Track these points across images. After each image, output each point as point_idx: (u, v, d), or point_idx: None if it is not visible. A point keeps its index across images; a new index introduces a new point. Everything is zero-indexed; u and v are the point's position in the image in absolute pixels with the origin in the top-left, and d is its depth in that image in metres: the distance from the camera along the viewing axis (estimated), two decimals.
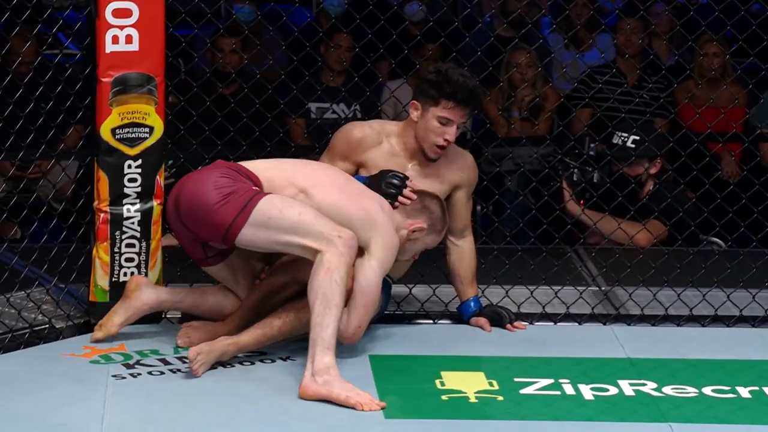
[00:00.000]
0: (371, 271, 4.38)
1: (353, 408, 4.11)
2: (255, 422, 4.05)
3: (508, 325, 4.90)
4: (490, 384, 4.38)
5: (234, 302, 4.62)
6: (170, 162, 4.85)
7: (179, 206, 4.44)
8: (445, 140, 4.64)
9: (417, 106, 4.68)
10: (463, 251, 4.87)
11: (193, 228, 4.43)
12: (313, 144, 5.50)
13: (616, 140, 5.87)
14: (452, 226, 4.84)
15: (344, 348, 4.48)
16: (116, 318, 4.56)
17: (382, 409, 4.12)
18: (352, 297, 4.37)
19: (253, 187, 4.38)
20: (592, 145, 6.01)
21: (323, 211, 4.38)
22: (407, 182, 4.62)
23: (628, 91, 6.84)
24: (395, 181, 4.60)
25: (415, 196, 4.60)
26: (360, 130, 4.73)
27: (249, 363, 4.46)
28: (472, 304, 4.90)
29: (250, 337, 4.41)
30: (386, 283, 4.67)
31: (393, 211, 4.55)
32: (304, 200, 4.40)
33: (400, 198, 4.58)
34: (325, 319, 4.20)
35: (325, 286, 4.21)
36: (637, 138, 5.82)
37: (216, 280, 4.67)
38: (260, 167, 4.50)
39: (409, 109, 4.70)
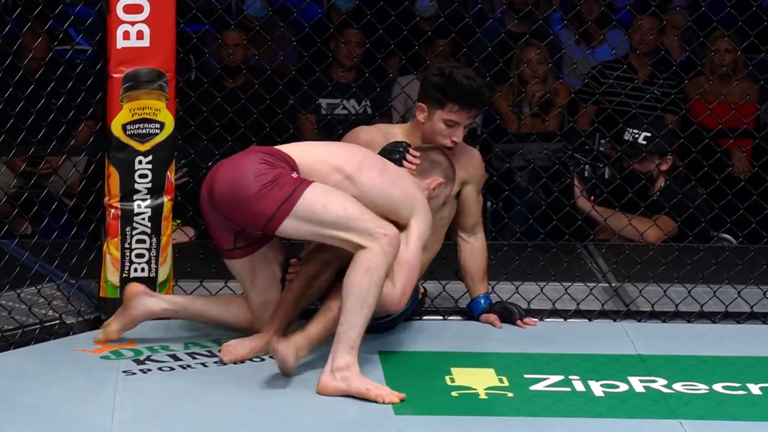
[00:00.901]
0: (414, 242, 4.36)
1: (374, 401, 4.11)
2: (266, 417, 4.05)
3: (519, 321, 4.90)
4: (500, 380, 4.38)
5: (235, 313, 4.54)
6: (183, 162, 4.85)
7: (214, 194, 4.33)
8: (453, 142, 4.65)
9: (423, 108, 4.68)
10: (474, 248, 4.87)
11: (231, 216, 4.32)
12: (323, 140, 5.50)
13: (627, 136, 5.86)
14: (463, 222, 4.84)
15: None
16: (115, 325, 4.54)
17: (402, 401, 4.12)
18: (396, 265, 4.32)
19: (293, 174, 4.28)
20: (602, 141, 6.00)
21: (368, 195, 4.34)
22: (407, 146, 4.62)
23: (639, 87, 6.83)
24: (399, 149, 4.59)
25: (418, 155, 4.60)
26: (367, 133, 4.74)
27: (258, 359, 4.46)
28: (482, 301, 4.90)
29: (316, 327, 4.32)
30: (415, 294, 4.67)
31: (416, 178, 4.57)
32: (349, 187, 4.34)
33: (405, 163, 4.57)
34: (356, 318, 4.18)
35: (363, 286, 4.19)
36: (648, 134, 5.82)
37: (213, 290, 4.66)
38: (295, 151, 4.40)
39: (416, 111, 4.70)
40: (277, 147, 4.43)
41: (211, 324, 4.61)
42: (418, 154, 4.60)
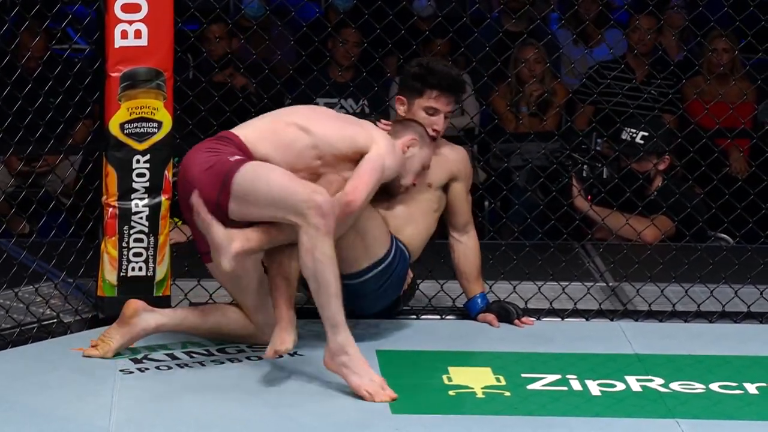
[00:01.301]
0: (376, 151, 4.35)
1: (362, 398, 4.12)
2: (263, 417, 4.05)
3: (516, 321, 4.90)
4: (497, 379, 4.38)
5: (235, 319, 4.50)
6: (176, 159, 4.84)
7: (181, 193, 4.38)
8: (434, 130, 4.66)
9: (402, 100, 4.70)
10: (467, 248, 4.87)
11: (190, 210, 4.33)
12: None
13: (624, 136, 5.87)
14: (453, 221, 4.84)
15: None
16: (113, 343, 4.42)
17: (393, 400, 4.13)
18: (357, 167, 4.34)
19: (231, 158, 4.29)
20: (598, 140, 6.00)
21: (326, 142, 4.35)
22: (377, 117, 4.65)
23: (636, 86, 6.83)
24: (370, 120, 4.62)
25: (389, 122, 4.62)
26: None
27: (256, 358, 4.47)
28: (479, 300, 4.90)
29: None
30: (403, 258, 4.64)
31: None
32: (306, 138, 4.36)
33: (379, 125, 4.58)
34: (323, 299, 4.17)
35: (312, 267, 4.16)
36: (646, 134, 5.82)
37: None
38: (250, 123, 4.46)
39: (395, 105, 4.71)
40: (232, 130, 4.44)
41: (212, 335, 4.54)
42: (389, 122, 4.63)
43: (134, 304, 4.44)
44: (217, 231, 4.19)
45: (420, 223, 4.72)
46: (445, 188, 4.80)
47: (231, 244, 4.19)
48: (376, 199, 4.47)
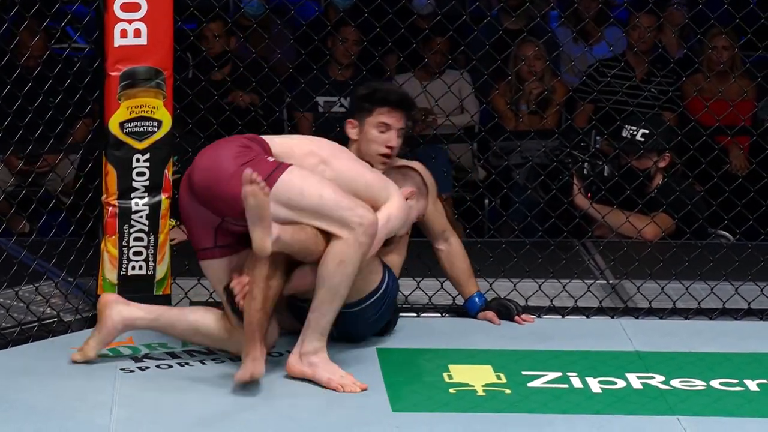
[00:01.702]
0: (384, 215, 4.30)
1: (334, 390, 4.14)
2: (264, 415, 4.05)
3: (517, 318, 4.90)
4: (498, 377, 4.38)
5: (211, 320, 4.36)
6: (176, 158, 4.85)
7: (193, 182, 4.26)
8: (388, 147, 4.61)
9: (353, 123, 4.66)
10: (450, 254, 4.85)
11: (211, 202, 4.22)
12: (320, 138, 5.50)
13: (625, 133, 5.87)
14: (430, 234, 4.82)
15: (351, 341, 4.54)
16: (92, 341, 4.36)
17: (363, 390, 4.15)
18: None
19: (269, 159, 4.24)
20: (598, 138, 6.00)
21: (343, 178, 4.30)
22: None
23: (636, 84, 6.83)
24: None
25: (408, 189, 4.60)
26: None
27: None
28: (476, 299, 4.90)
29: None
30: (394, 280, 4.64)
31: None
32: (325, 170, 4.30)
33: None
34: (327, 308, 4.19)
35: (335, 279, 4.18)
36: (647, 131, 5.82)
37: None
38: (271, 137, 4.39)
39: (346, 130, 4.67)
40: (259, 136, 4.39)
41: (188, 335, 4.42)
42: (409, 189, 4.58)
43: (106, 296, 4.41)
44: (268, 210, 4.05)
45: (394, 256, 4.68)
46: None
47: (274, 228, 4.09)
48: None
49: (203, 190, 4.24)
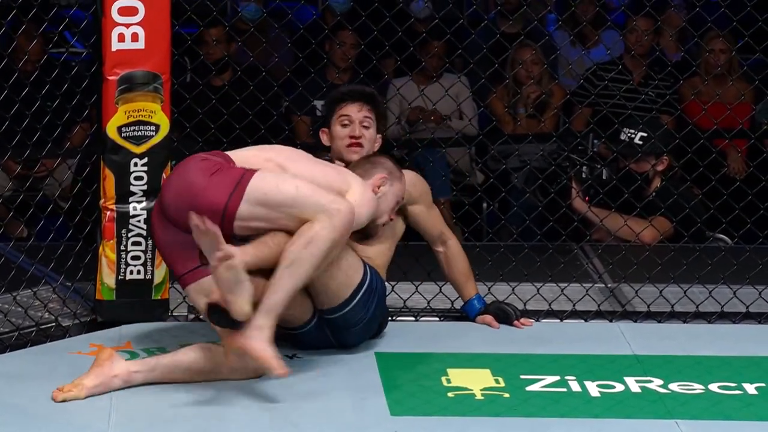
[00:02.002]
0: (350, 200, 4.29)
1: (263, 364, 4.09)
2: (262, 420, 4.05)
3: (515, 322, 4.90)
4: (497, 381, 4.38)
5: (206, 360, 4.26)
6: (173, 162, 4.85)
7: (167, 208, 4.23)
8: (351, 137, 4.69)
9: (325, 132, 4.77)
10: (448, 256, 4.86)
11: (187, 220, 4.14)
12: (318, 142, 5.50)
13: (623, 137, 5.87)
14: (427, 237, 4.83)
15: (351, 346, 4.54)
16: (87, 381, 4.16)
17: (285, 375, 4.09)
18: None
19: (238, 166, 4.25)
20: (595, 141, 6.01)
21: (303, 179, 4.29)
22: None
23: (634, 88, 6.84)
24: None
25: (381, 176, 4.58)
26: None
27: None
28: (475, 302, 4.90)
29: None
30: (381, 292, 4.63)
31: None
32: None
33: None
34: (283, 283, 4.12)
35: (301, 257, 4.12)
36: (645, 135, 5.82)
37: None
38: (235, 152, 4.39)
39: (322, 141, 4.76)
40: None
41: (191, 375, 4.26)
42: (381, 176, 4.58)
43: (109, 351, 4.27)
44: (222, 241, 4.05)
45: (377, 258, 4.66)
46: (404, 213, 4.76)
47: (235, 254, 4.07)
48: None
49: (179, 211, 4.18)
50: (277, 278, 4.15)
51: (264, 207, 4.18)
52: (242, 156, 4.37)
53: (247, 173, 4.21)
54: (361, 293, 4.48)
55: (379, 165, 4.59)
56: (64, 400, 4.10)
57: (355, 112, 4.71)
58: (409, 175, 4.76)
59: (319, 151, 5.05)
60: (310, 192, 4.20)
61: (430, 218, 4.82)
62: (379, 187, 4.53)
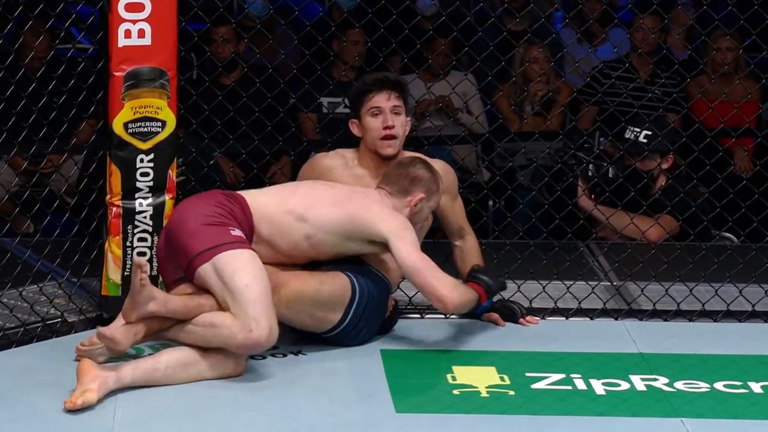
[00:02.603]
0: (405, 251, 4.41)
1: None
2: (267, 416, 4.05)
3: (521, 320, 4.90)
4: (502, 379, 4.38)
5: (186, 353, 4.29)
6: (180, 160, 4.85)
7: (169, 222, 4.44)
8: (386, 128, 4.69)
9: (355, 122, 4.76)
10: (463, 252, 4.87)
11: (174, 253, 4.36)
12: (324, 139, 5.51)
13: (628, 135, 5.86)
14: (447, 229, 4.87)
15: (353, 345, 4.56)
16: (91, 385, 4.10)
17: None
18: (412, 275, 4.43)
19: (234, 233, 4.33)
20: (601, 139, 6.00)
21: (324, 231, 4.42)
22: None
23: (640, 86, 6.83)
24: None
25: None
26: (330, 159, 4.79)
27: (260, 357, 4.46)
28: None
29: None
30: (378, 284, 4.63)
31: (384, 194, 4.58)
32: (302, 227, 4.42)
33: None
34: (173, 335, 4.28)
35: (195, 331, 4.24)
36: (650, 133, 5.82)
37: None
38: (257, 196, 4.50)
39: (352, 131, 4.76)
40: (240, 192, 4.50)
41: (172, 373, 4.27)
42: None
43: (86, 360, 4.19)
44: (144, 290, 4.19)
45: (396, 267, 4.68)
46: None
47: (147, 304, 4.21)
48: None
49: (170, 231, 4.39)
50: (173, 333, 4.27)
51: (217, 278, 4.26)
52: (263, 204, 4.45)
53: (228, 245, 4.28)
54: (350, 314, 4.53)
55: (417, 183, 4.61)
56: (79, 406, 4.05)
57: (384, 101, 4.71)
58: (439, 165, 4.80)
59: (326, 147, 5.06)
60: (252, 297, 4.23)
61: (454, 211, 4.86)
62: (415, 205, 4.58)
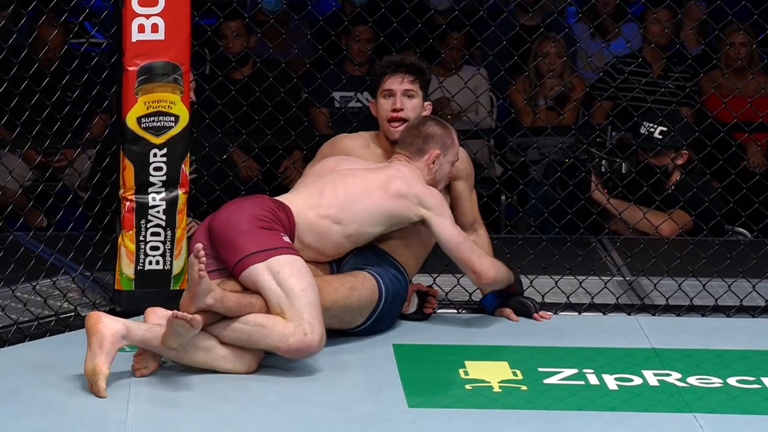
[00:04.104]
0: (446, 228, 4.56)
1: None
2: (278, 411, 4.06)
3: (534, 315, 4.90)
4: (514, 373, 4.38)
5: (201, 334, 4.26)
6: (193, 158, 4.86)
7: (212, 229, 4.39)
8: (394, 110, 4.73)
9: (372, 102, 4.82)
10: (476, 245, 4.86)
11: (217, 248, 4.35)
12: (336, 133, 5.50)
13: (642, 130, 5.85)
14: (461, 220, 4.85)
15: (367, 336, 4.57)
16: (98, 363, 4.10)
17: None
18: (454, 251, 4.58)
19: (285, 239, 4.36)
20: (613, 134, 5.99)
21: (365, 225, 4.52)
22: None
23: (654, 81, 6.82)
24: None
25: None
26: (351, 140, 4.84)
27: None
28: (491, 296, 4.89)
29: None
30: (396, 283, 4.65)
31: (406, 163, 4.63)
32: (341, 229, 4.49)
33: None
34: (227, 330, 4.24)
35: (245, 329, 4.22)
36: (664, 128, 5.81)
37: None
38: (296, 202, 4.53)
39: (372, 113, 4.81)
40: (282, 197, 4.55)
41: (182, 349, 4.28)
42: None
43: (96, 313, 4.21)
44: (203, 282, 4.16)
45: (414, 241, 4.72)
46: (448, 187, 4.81)
47: (206, 296, 4.18)
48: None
49: (218, 231, 4.36)
50: (227, 323, 4.23)
51: (272, 279, 4.27)
52: (301, 215, 4.49)
53: (283, 249, 4.32)
54: (372, 318, 4.59)
55: (431, 140, 4.68)
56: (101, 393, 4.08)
57: (396, 84, 4.75)
58: (461, 152, 4.84)
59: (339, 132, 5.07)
60: (308, 302, 4.26)
61: (469, 200, 4.89)
62: (433, 163, 4.65)
